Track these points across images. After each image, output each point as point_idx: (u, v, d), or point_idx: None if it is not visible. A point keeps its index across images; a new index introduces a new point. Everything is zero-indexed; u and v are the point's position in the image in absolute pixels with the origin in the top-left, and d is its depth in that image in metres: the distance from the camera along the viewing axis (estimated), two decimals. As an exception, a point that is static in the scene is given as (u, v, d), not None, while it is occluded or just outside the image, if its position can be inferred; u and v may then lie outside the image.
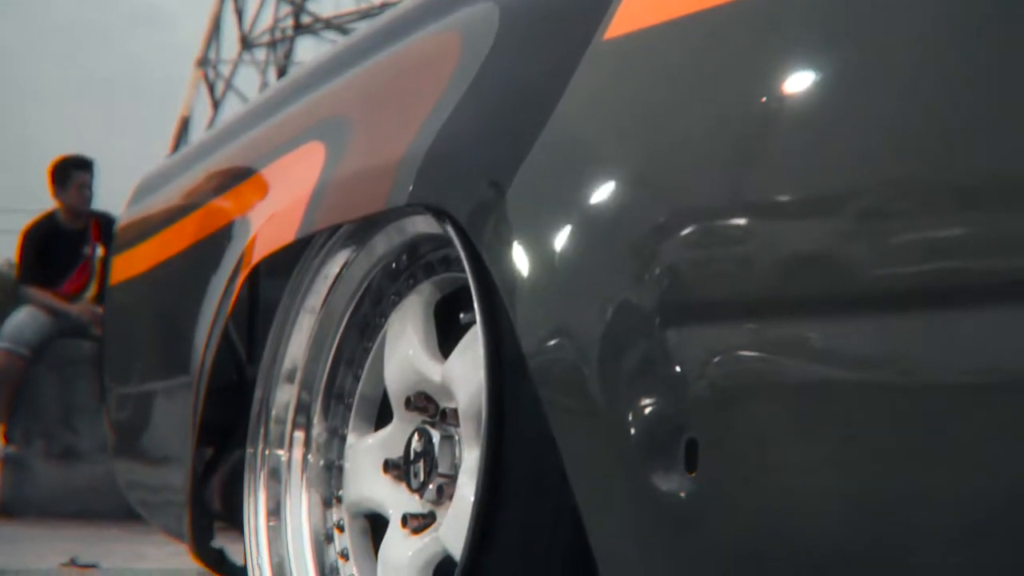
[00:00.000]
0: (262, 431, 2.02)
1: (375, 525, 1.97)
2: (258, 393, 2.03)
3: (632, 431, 1.25)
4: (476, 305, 1.49)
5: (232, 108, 19.33)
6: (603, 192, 1.32)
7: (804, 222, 1.17)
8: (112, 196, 7.34)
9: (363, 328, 1.98)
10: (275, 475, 2.02)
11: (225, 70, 19.85)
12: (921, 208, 1.07)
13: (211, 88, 19.27)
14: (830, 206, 1.15)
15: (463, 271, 1.76)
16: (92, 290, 7.18)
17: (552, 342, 1.33)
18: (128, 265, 2.79)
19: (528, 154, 1.40)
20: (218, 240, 2.25)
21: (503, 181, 1.42)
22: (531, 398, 1.42)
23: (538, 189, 1.39)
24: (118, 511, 7.13)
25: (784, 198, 1.19)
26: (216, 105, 19.11)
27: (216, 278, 2.18)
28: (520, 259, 1.38)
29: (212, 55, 22.01)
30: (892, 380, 1.10)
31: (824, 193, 1.16)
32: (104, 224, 7.08)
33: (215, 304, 2.15)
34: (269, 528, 1.99)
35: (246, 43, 23.03)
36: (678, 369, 1.22)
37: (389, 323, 1.91)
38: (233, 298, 2.07)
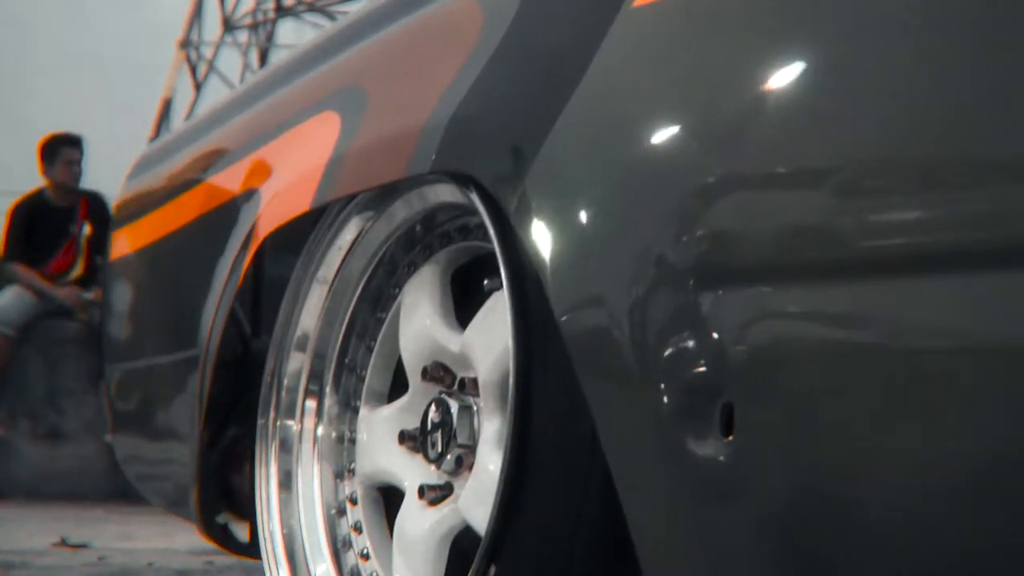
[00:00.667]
0: (273, 402, 2.01)
1: (387, 499, 1.97)
2: (270, 364, 2.01)
3: (667, 396, 1.24)
4: (503, 272, 1.48)
5: (214, 90, 19.24)
6: (636, 157, 1.32)
7: (844, 184, 1.17)
8: (95, 177, 7.30)
9: (376, 299, 1.97)
10: (286, 446, 2.01)
11: (207, 52, 19.78)
12: (969, 170, 1.07)
13: (193, 70, 19.19)
14: (870, 168, 1.15)
15: (482, 240, 1.75)
16: (79, 269, 7.15)
17: (585, 307, 1.32)
18: (129, 240, 2.76)
19: (557, 120, 1.39)
20: (225, 212, 2.23)
21: (532, 147, 1.41)
22: (560, 365, 1.41)
23: (568, 154, 1.38)
24: (103, 492, 7.12)
25: (822, 160, 1.18)
26: (198, 87, 19.03)
27: (224, 250, 2.16)
28: (551, 225, 1.37)
29: (194, 37, 21.91)
30: (935, 343, 1.09)
31: (863, 155, 1.15)
32: (93, 203, 7.05)
33: (224, 276, 2.14)
34: (280, 500, 1.98)
35: (228, 25, 22.91)
36: (714, 333, 1.22)
37: (403, 293, 1.90)
38: (244, 269, 2.06)
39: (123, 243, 2.80)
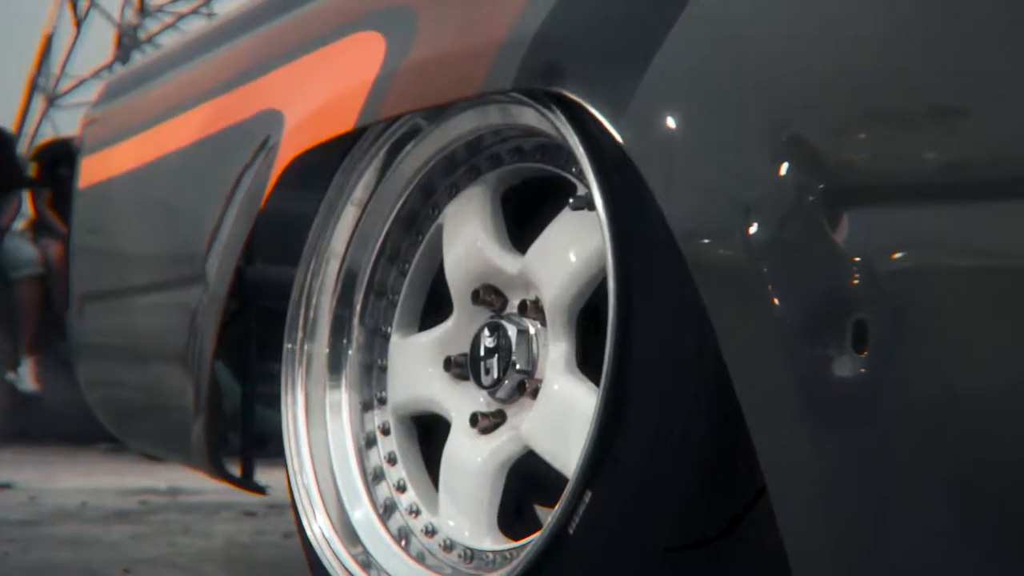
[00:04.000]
0: (300, 327, 1.95)
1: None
2: (297, 289, 1.96)
3: (797, 313, 1.23)
4: (596, 192, 1.45)
5: (96, 27, 18.75)
6: (762, 73, 1.28)
7: (982, 102, 1.16)
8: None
9: (411, 221, 1.91)
10: (313, 373, 1.95)
11: (88, -13, 19.23)
12: None
13: (74, 6, 18.68)
14: (1006, 88, 1.14)
15: (540, 161, 1.72)
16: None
17: (710, 227, 1.29)
18: (106, 165, 2.66)
19: (668, 35, 1.35)
20: (235, 135, 2.15)
21: (640, 62, 1.37)
22: (664, 285, 1.39)
23: (684, 69, 1.34)
24: (4, 433, 6.95)
25: (958, 76, 1.17)
26: (79, 24, 18.53)
27: (237, 173, 2.09)
28: (668, 143, 1.34)
29: (75, -28, 21.19)
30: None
31: (999, 76, 1.14)
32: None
33: (239, 201, 2.07)
34: (309, 430, 1.92)
35: (107, -39, 22.18)
36: (847, 251, 1.20)
37: (446, 215, 1.85)
38: (266, 193, 1.99)
39: (98, 169, 2.70)
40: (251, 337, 2.31)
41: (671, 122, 1.34)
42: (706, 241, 1.29)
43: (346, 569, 1.79)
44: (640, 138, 1.36)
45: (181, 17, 17.16)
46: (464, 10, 1.69)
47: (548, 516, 1.90)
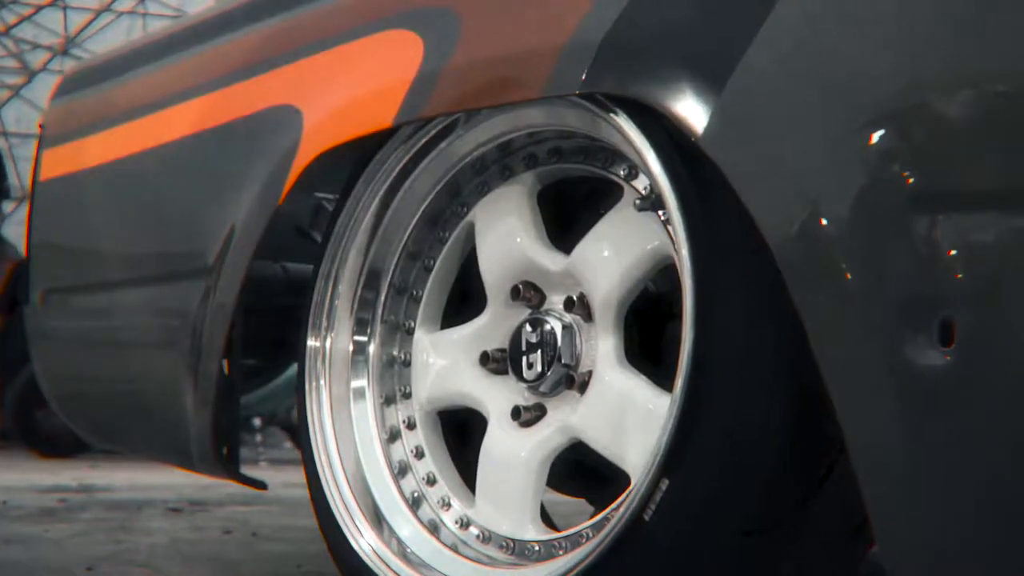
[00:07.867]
0: (324, 322, 1.97)
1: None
2: (320, 284, 1.97)
3: (886, 310, 1.29)
4: (670, 194, 1.49)
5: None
6: (855, 71, 1.33)
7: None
8: None
9: (436, 219, 1.95)
10: (336, 368, 1.97)
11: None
12: None
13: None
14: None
15: (583, 163, 1.77)
16: None
17: (801, 228, 1.33)
18: (76, 157, 2.62)
19: (757, 34, 1.39)
20: (246, 128, 2.14)
21: (727, 64, 1.41)
22: (744, 281, 1.44)
23: (775, 70, 1.38)
24: None
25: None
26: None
27: (250, 168, 2.09)
28: (761, 144, 1.39)
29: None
30: None
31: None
32: None
33: (252, 197, 2.06)
34: (335, 425, 1.94)
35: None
36: (936, 252, 1.26)
37: (476, 213, 1.89)
38: (286, 188, 1.99)
39: (65, 161, 2.65)
40: (235, 331, 2.31)
41: (759, 125, 1.39)
42: (797, 240, 1.34)
43: (381, 558, 1.82)
44: (726, 142, 1.41)
45: (39, 9, 16.76)
46: (515, 14, 1.72)
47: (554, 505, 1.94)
